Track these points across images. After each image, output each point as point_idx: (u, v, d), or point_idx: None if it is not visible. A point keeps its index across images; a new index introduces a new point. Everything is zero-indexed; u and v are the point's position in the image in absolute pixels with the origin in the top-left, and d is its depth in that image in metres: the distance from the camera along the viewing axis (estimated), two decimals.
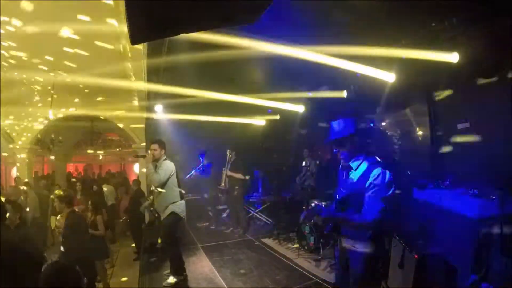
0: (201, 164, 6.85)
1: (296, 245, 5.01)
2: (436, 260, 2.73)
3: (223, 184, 6.39)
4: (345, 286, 2.20)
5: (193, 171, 6.78)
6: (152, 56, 4.13)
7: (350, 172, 2.12)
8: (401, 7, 3.03)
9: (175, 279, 3.77)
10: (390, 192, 1.96)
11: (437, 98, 4.06)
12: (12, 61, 4.94)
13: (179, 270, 3.84)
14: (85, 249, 3.60)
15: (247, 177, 6.22)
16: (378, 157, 2.11)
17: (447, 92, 3.89)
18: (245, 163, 6.36)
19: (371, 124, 5.36)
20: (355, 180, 2.04)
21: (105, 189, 7.66)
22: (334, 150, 2.17)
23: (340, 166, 2.28)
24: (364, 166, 2.04)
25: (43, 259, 2.21)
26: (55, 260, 2.50)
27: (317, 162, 6.10)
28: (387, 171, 1.98)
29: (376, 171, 1.97)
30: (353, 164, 2.10)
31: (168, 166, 3.72)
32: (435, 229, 3.01)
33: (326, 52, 3.92)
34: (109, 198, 7.52)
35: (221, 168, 6.53)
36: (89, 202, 4.78)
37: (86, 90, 6.80)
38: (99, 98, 7.56)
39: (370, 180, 1.96)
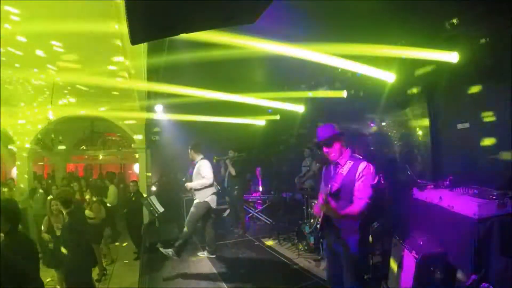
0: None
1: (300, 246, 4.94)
2: (436, 260, 2.73)
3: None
4: (337, 276, 2.45)
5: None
6: (152, 56, 4.13)
7: (338, 168, 2.43)
8: (401, 7, 3.04)
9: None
10: (375, 181, 2.33)
11: (437, 98, 4.06)
12: (12, 60, 4.93)
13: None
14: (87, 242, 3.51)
15: (234, 174, 6.21)
16: (371, 155, 2.34)
17: (447, 92, 3.89)
18: (244, 164, 6.35)
19: (372, 125, 5.36)
20: (344, 174, 2.36)
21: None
22: (324, 151, 2.45)
23: (326, 165, 2.60)
24: (351, 162, 2.38)
25: None
26: None
27: (317, 164, 6.10)
28: (371, 164, 2.34)
29: (363, 164, 2.33)
30: (342, 161, 2.42)
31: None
32: (435, 229, 3.01)
33: (326, 52, 3.93)
34: (111, 198, 7.50)
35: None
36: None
37: (86, 90, 6.78)
38: (99, 98, 7.54)
39: (359, 171, 2.30)
